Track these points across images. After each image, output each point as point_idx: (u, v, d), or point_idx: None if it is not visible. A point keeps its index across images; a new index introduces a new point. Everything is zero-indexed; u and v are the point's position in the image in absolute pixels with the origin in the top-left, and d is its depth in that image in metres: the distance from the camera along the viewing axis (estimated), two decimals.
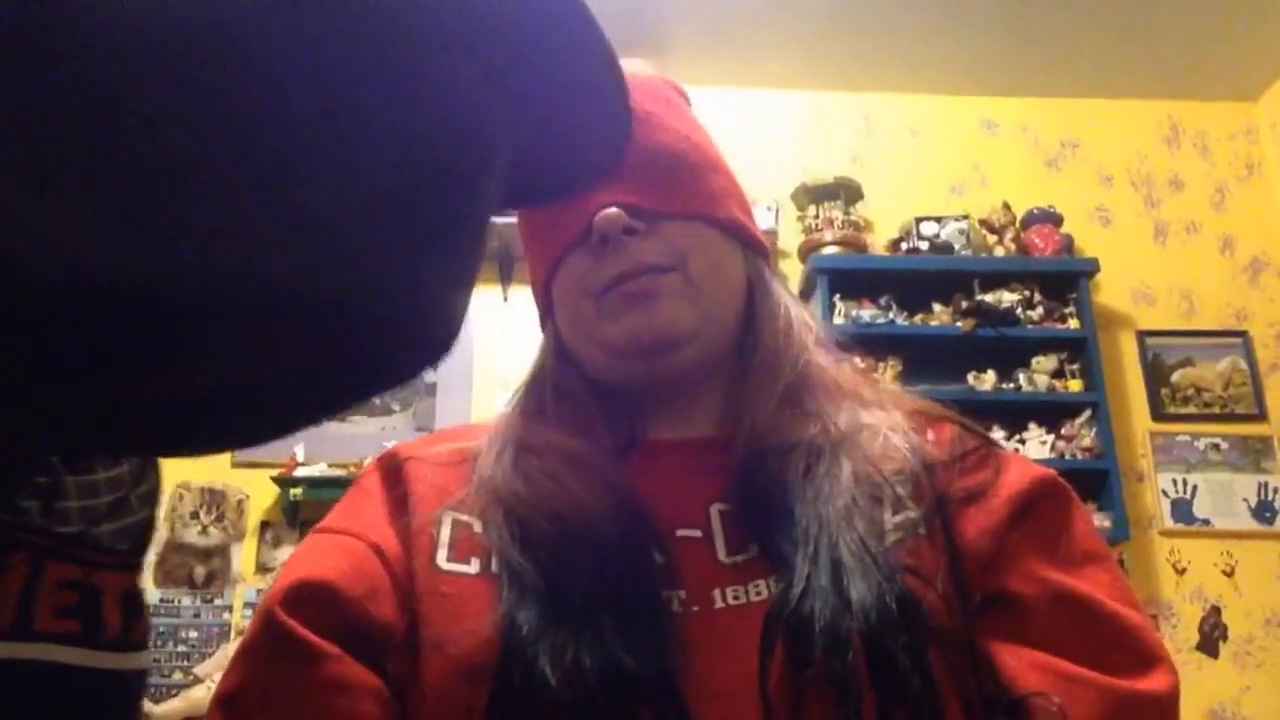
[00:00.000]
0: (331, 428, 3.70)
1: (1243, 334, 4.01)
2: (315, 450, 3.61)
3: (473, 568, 0.79)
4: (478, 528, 0.82)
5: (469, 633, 0.73)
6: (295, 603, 0.74)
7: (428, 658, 0.74)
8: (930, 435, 0.88)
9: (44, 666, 0.53)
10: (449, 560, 0.80)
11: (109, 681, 0.59)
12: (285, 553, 3.39)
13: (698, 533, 0.81)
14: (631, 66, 0.88)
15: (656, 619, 0.74)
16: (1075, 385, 3.70)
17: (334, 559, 0.79)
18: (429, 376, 3.75)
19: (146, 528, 0.62)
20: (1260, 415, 3.91)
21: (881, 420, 0.87)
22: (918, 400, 0.93)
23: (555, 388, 0.92)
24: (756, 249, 0.94)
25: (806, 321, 0.94)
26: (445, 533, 0.81)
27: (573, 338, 0.90)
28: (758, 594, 0.76)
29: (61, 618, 0.54)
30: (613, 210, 0.84)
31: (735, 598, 0.76)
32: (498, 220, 3.87)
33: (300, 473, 3.52)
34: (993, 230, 3.96)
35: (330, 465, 3.56)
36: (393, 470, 0.89)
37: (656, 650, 0.71)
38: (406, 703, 0.75)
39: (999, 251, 3.92)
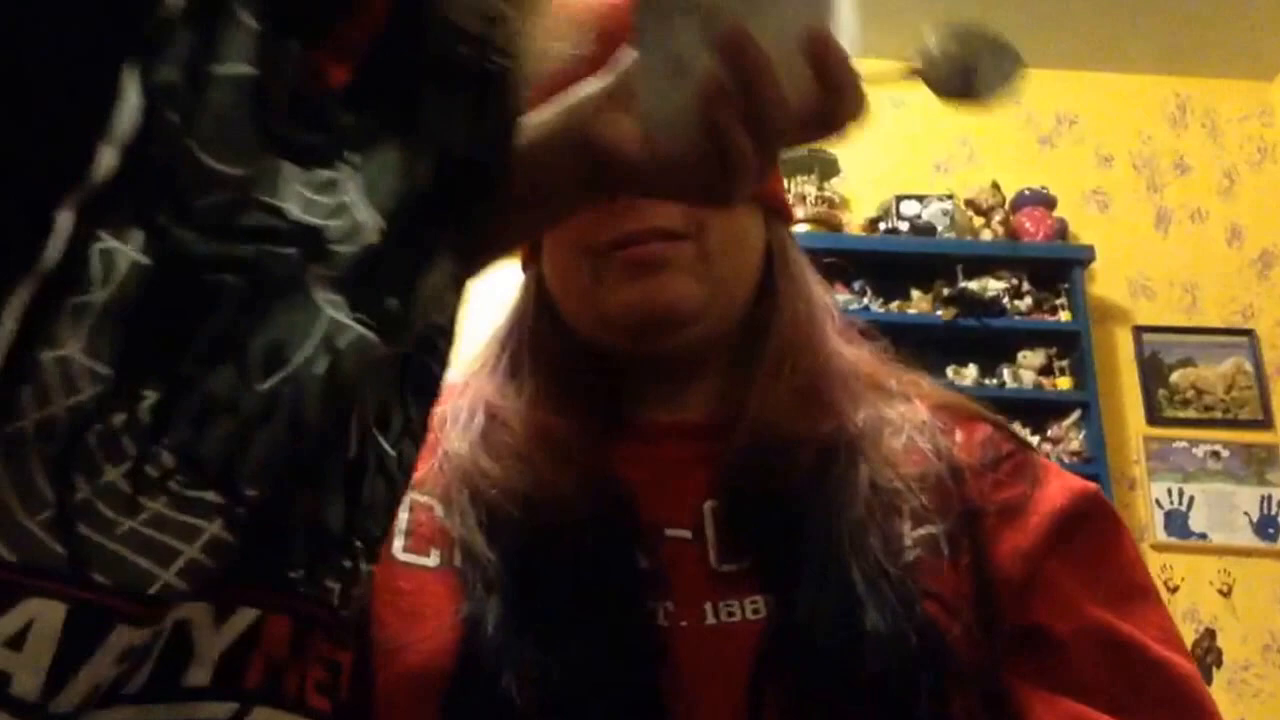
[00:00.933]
0: None
1: (1249, 332, 3.93)
2: None
3: (432, 559, 0.77)
4: (440, 511, 0.79)
5: (428, 635, 0.71)
6: None
7: (382, 663, 0.71)
8: (959, 436, 0.84)
9: None
10: (405, 550, 0.77)
11: None
12: None
13: (687, 533, 0.77)
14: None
15: (640, 634, 0.71)
16: (1064, 383, 3.66)
17: None
18: None
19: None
20: (1266, 422, 3.82)
21: (904, 415, 0.84)
22: (946, 394, 0.90)
23: (534, 346, 0.87)
24: (780, 214, 0.91)
25: (827, 303, 0.90)
26: (403, 517, 0.78)
27: (561, 294, 0.86)
28: (755, 612, 0.72)
29: (320, 694, 0.57)
30: None
31: (729, 614, 0.73)
32: None
33: None
34: (979, 212, 3.90)
35: None
36: None
37: (638, 671, 0.69)
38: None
39: (985, 235, 3.87)
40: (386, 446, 0.60)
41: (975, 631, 0.72)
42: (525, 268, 0.92)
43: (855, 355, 0.88)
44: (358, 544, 0.58)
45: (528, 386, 0.84)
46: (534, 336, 0.88)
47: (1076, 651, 0.74)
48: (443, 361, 0.67)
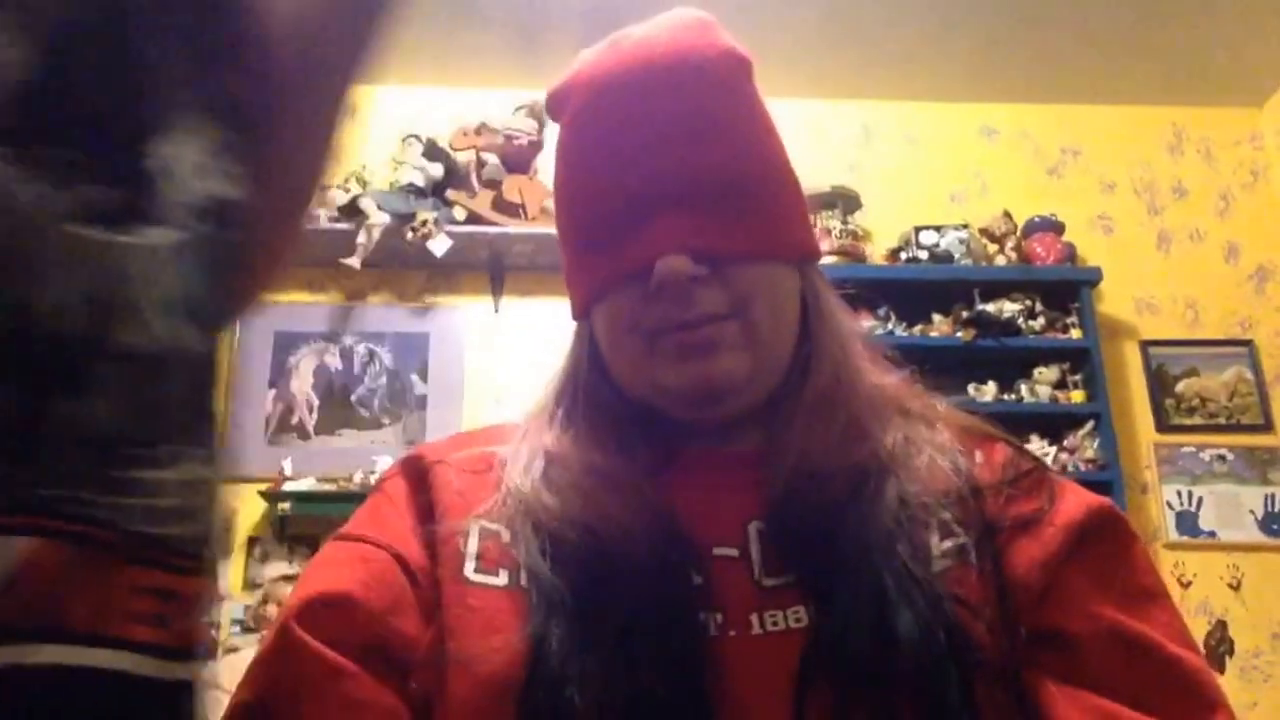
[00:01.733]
0: (320, 442, 3.65)
1: (1248, 343, 4.00)
2: (303, 465, 3.57)
3: (501, 579, 0.77)
4: (506, 537, 0.79)
5: (497, 649, 0.71)
6: (312, 617, 0.73)
7: (455, 674, 0.72)
8: (979, 456, 0.84)
9: (114, 676, 0.50)
10: (477, 572, 0.77)
11: (172, 692, 0.55)
12: (273, 569, 3.35)
13: (735, 552, 0.77)
14: (689, 24, 0.85)
15: (692, 643, 0.71)
16: (1078, 396, 3.68)
17: (354, 570, 0.77)
18: (419, 389, 3.70)
19: (218, 531, 0.59)
20: (1266, 426, 3.89)
21: (928, 438, 0.84)
22: (967, 418, 0.89)
23: (588, 398, 0.87)
24: (811, 259, 0.89)
25: (857, 335, 0.90)
26: (473, 543, 0.79)
27: (613, 360, 0.86)
28: (797, 620, 0.73)
29: (138, 624, 0.51)
30: (678, 260, 0.78)
31: (774, 623, 0.73)
32: (489, 230, 3.78)
33: (288, 487, 3.47)
34: (993, 239, 3.95)
35: (318, 480, 3.52)
36: (418, 475, 0.85)
37: (691, 676, 0.69)
38: (432, 718, 0.73)
39: (1000, 261, 3.91)
40: (191, 335, 0.55)
41: (996, 631, 0.73)
42: (577, 318, 0.91)
43: (884, 382, 0.88)
44: (141, 450, 0.51)
45: (583, 433, 0.85)
46: (588, 391, 0.88)
47: (1093, 649, 0.74)
48: (234, 228, 0.60)
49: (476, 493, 0.82)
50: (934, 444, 0.83)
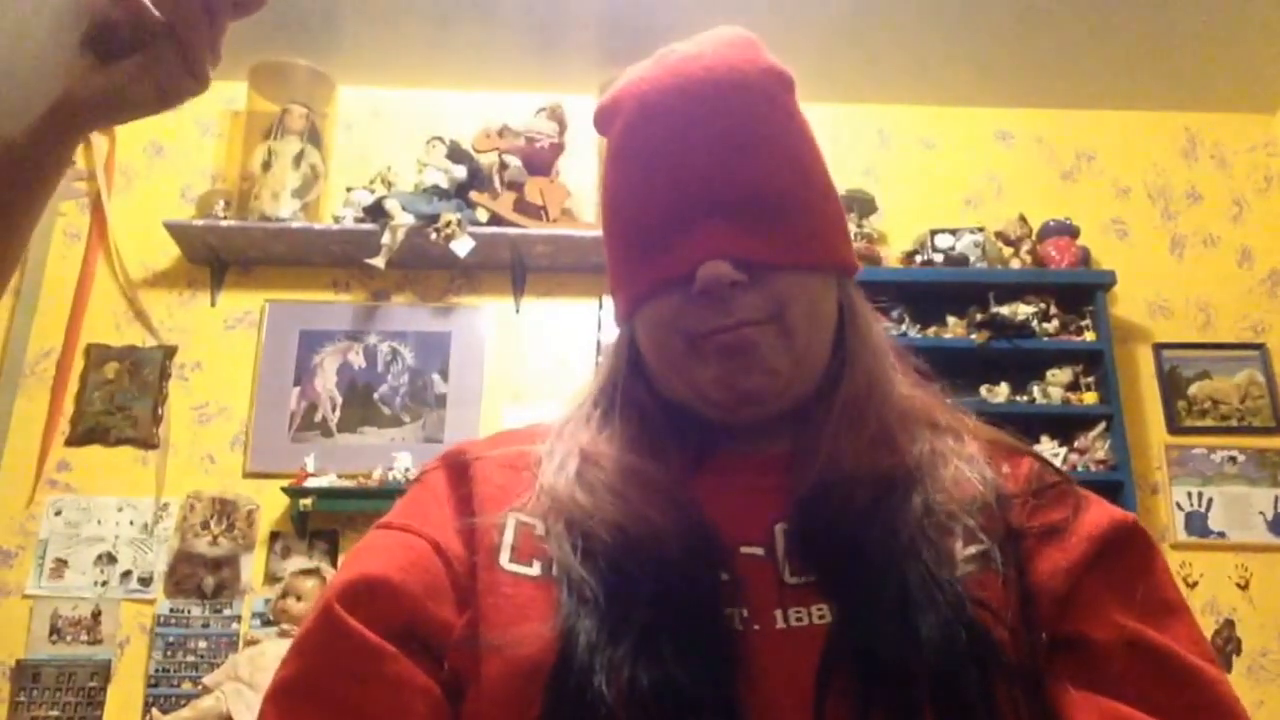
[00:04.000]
0: (341, 439, 3.70)
1: (1260, 347, 4.00)
2: (325, 461, 3.63)
3: (535, 569, 0.79)
4: (540, 530, 0.81)
5: (529, 636, 0.73)
6: (353, 599, 0.75)
7: (488, 658, 0.74)
8: (1006, 469, 0.86)
9: None
10: (511, 561, 0.79)
11: None
12: (295, 563, 3.39)
13: (761, 551, 0.79)
14: (732, 42, 0.87)
15: (717, 637, 0.72)
16: (1090, 398, 3.70)
17: (395, 556, 0.80)
18: (439, 388, 3.76)
19: None
20: (1277, 428, 3.90)
21: (956, 449, 0.85)
22: (995, 431, 0.91)
23: (626, 401, 0.90)
24: (848, 271, 0.91)
25: (888, 348, 0.92)
26: (509, 534, 0.81)
27: (655, 363, 0.88)
28: (820, 617, 0.74)
29: None
30: (720, 265, 0.81)
31: (798, 619, 0.74)
32: (510, 231, 3.82)
33: (310, 483, 3.52)
34: (1008, 242, 3.96)
35: (340, 476, 3.57)
36: (458, 468, 0.88)
37: (715, 669, 0.70)
38: (465, 700, 0.75)
39: (1014, 264, 3.92)
40: None
41: (1018, 635, 0.74)
42: (618, 323, 0.93)
43: (913, 395, 0.90)
44: None
45: (619, 435, 0.87)
46: (626, 393, 0.90)
47: (1113, 656, 0.75)
48: None
49: (514, 488, 0.85)
50: (961, 455, 0.85)
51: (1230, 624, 3.66)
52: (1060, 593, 0.77)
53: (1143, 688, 0.74)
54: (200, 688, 3.21)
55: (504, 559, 0.80)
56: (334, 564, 3.45)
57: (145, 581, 3.55)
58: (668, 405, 0.89)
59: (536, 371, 3.81)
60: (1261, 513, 3.78)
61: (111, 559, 3.56)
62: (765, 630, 0.74)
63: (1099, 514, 0.83)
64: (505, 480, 0.86)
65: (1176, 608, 0.79)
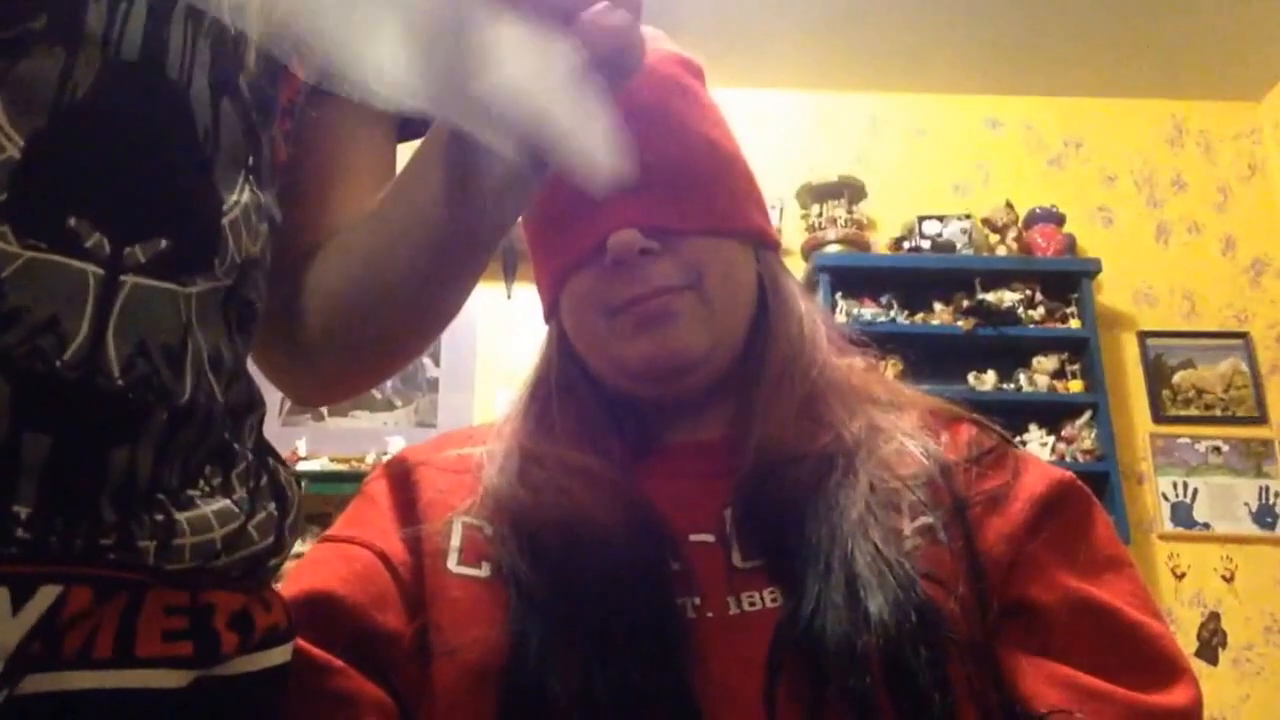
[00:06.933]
0: (333, 423, 3.71)
1: (1244, 335, 4.02)
2: (317, 445, 3.62)
3: (484, 571, 0.79)
4: (488, 531, 0.81)
5: (479, 639, 0.73)
6: (299, 615, 0.72)
7: (440, 665, 0.74)
8: (945, 436, 0.86)
9: (150, 694, 0.51)
10: (459, 564, 0.79)
11: (236, 687, 0.57)
12: None
13: (711, 537, 0.79)
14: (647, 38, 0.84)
15: (669, 629, 0.72)
16: (1076, 386, 3.71)
17: (338, 568, 0.78)
18: (431, 372, 3.76)
19: (269, 554, 0.60)
20: (1261, 418, 3.92)
21: (896, 424, 0.86)
22: (932, 400, 0.91)
23: (562, 390, 0.90)
24: (767, 244, 0.92)
25: (818, 320, 0.91)
26: (456, 538, 0.81)
27: (583, 347, 0.89)
28: (773, 600, 0.74)
29: (171, 642, 0.53)
30: (628, 233, 0.81)
31: (751, 603, 0.75)
32: None
33: (301, 467, 3.51)
34: (995, 229, 3.97)
35: (332, 459, 3.57)
36: (401, 476, 0.88)
37: (670, 659, 0.70)
38: (418, 711, 0.74)
39: (1001, 251, 3.93)
40: (218, 388, 0.56)
41: (969, 607, 0.74)
42: (547, 320, 0.94)
43: (847, 366, 0.90)
44: (160, 496, 0.52)
45: (559, 428, 0.86)
46: (561, 385, 0.90)
47: (1058, 618, 0.76)
48: (259, 292, 0.62)
49: (459, 491, 0.84)
50: (903, 429, 0.85)
51: (1216, 616, 3.66)
52: (1006, 559, 0.78)
53: (1087, 648, 0.75)
54: None
55: (451, 562, 0.79)
56: None
57: None
58: (603, 395, 0.89)
59: (528, 356, 3.73)
60: (1246, 504, 3.79)
61: None
62: (718, 616, 0.74)
63: (1037, 476, 0.83)
64: (449, 484, 0.86)
65: (1117, 562, 0.80)
